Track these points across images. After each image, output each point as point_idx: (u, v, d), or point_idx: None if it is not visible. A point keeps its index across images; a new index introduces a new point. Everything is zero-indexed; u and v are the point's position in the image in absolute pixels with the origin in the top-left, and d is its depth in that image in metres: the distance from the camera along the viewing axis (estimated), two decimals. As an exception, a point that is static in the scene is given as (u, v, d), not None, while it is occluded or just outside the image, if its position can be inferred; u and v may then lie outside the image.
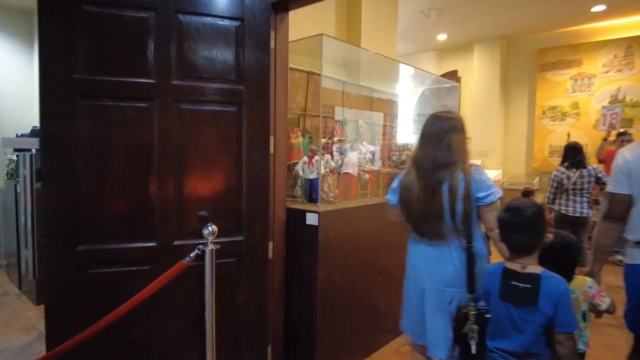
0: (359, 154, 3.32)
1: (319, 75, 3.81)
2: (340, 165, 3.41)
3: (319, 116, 3.85)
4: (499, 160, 8.15)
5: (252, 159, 2.56)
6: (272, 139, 2.70)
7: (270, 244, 2.76)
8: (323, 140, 3.54)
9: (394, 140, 4.71)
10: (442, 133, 1.80)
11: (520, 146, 8.15)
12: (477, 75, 8.17)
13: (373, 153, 3.99)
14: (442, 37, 7.98)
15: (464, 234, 1.73)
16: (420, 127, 1.94)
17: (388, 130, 4.60)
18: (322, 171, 3.09)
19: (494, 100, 8.09)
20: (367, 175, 3.56)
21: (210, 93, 2.45)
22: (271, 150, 2.68)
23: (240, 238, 2.58)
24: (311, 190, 3.15)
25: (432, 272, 1.81)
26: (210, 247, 2.34)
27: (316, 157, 3.09)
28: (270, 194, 2.71)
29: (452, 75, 8.74)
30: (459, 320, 1.73)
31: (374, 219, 3.25)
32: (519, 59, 7.96)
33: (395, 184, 2.00)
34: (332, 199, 3.13)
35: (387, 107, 4.79)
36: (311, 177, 3.10)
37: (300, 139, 3.59)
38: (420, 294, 1.85)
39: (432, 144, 1.82)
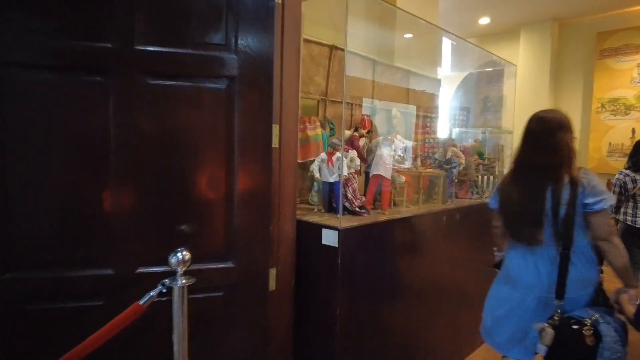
0: (392, 151, 2.56)
1: (343, 50, 3.06)
2: (369, 166, 2.65)
3: (347, 103, 3.10)
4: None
5: (247, 155, 1.85)
6: (276, 128, 1.97)
7: (273, 272, 2.04)
8: (347, 133, 2.79)
9: (434, 134, 3.92)
10: (547, 133, 1.74)
11: (573, 144, 7.06)
12: (523, 64, 7.22)
13: (404, 149, 3.22)
14: (484, 20, 7.08)
15: (564, 240, 1.68)
16: (523, 127, 1.87)
17: (428, 122, 3.81)
18: (346, 172, 2.35)
19: (543, 92, 7.14)
20: (403, 178, 2.79)
21: (190, 63, 1.75)
22: (275, 144, 1.96)
23: (229, 264, 1.89)
24: (331, 197, 2.42)
25: (529, 278, 1.78)
26: (181, 281, 1.64)
27: (337, 154, 2.34)
28: (273, 203, 1.99)
29: (496, 63, 7.83)
30: (557, 328, 1.64)
31: (412, 235, 2.49)
32: (573, 44, 6.98)
33: (495, 188, 2.00)
34: (357, 209, 2.38)
35: (426, 97, 4.00)
36: (331, 179, 2.36)
37: (319, 130, 2.85)
38: (517, 300, 1.81)
39: (535, 145, 1.77)
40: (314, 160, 2.51)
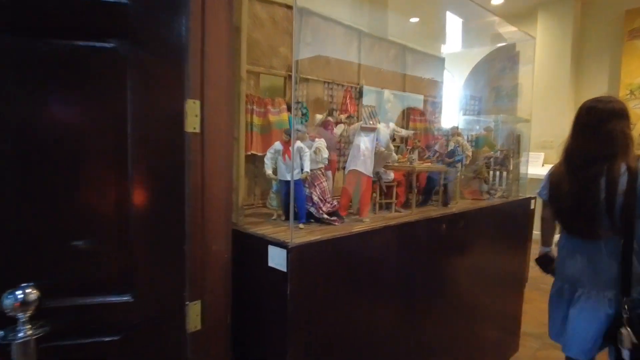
0: (376, 141, 1.96)
1: (321, 17, 2.46)
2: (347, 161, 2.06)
3: (323, 82, 2.51)
4: (569, 153, 6.42)
5: (146, 146, 1.28)
6: (195, 105, 1.39)
7: (197, 306, 1.47)
8: (318, 117, 2.20)
9: (436, 122, 3.30)
10: (600, 121, 1.65)
11: (599, 136, 6.36)
12: (541, 48, 6.54)
13: (401, 139, 2.62)
14: (497, 0, 6.42)
15: (622, 231, 1.61)
16: (575, 115, 1.82)
17: (429, 107, 3.19)
18: (307, 168, 1.75)
19: (563, 78, 6.47)
20: (392, 175, 2.19)
21: (60, 12, 1.19)
22: (192, 128, 1.37)
23: (127, 298, 1.34)
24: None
25: (583, 271, 1.75)
26: (22, 335, 1.07)
27: (298, 144, 1.75)
28: (193, 213, 1.40)
29: (510, 49, 7.16)
30: (613, 323, 1.64)
31: (400, 251, 1.90)
32: (598, 24, 6.30)
33: (545, 178, 1.91)
34: (326, 216, 1.79)
35: (428, 82, 3.38)
36: (289, 177, 1.77)
37: (286, 115, 2.26)
38: (570, 292, 1.81)
39: (588, 133, 1.70)
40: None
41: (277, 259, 1.50)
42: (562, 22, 6.50)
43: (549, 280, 2.03)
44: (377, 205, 2.18)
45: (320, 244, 1.57)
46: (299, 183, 1.79)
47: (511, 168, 3.02)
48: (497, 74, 4.44)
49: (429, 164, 2.47)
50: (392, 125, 2.89)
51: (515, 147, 3.07)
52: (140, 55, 1.26)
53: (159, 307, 1.38)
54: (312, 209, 1.85)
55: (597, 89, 6.50)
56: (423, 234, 2.06)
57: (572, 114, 5.80)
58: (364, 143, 1.99)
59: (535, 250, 2.41)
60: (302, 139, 1.87)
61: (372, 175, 1.99)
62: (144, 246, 1.32)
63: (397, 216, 2.13)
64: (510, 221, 2.92)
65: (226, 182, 1.54)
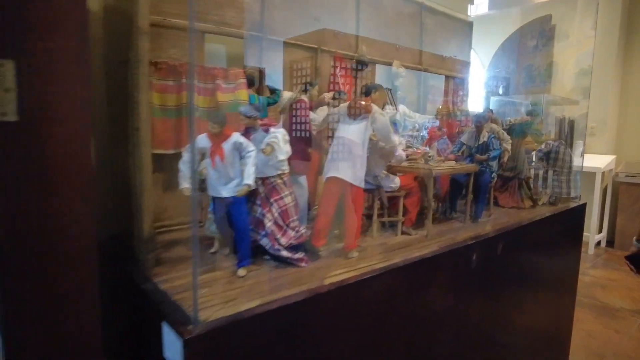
0: (367, 130, 1.25)
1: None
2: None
3: (307, 48, 1.81)
4: (610, 141, 5.82)
5: None
6: (7, 65, 0.66)
7: None
8: (287, 94, 1.49)
9: (462, 106, 2.54)
10: None
11: (644, 123, 5.50)
12: (583, 25, 5.56)
13: (414, 128, 1.90)
14: (533, -38, 5.43)
15: None
16: None
17: (454, 85, 2.44)
18: (249, 179, 1.05)
19: (609, 57, 5.61)
20: (397, 181, 1.48)
21: None
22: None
23: None
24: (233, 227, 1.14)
25: None
26: None
27: (235, 138, 1.05)
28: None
29: (544, 22, 6.32)
30: None
31: (413, 306, 1.20)
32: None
33: None
34: (284, 253, 1.10)
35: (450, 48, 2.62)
36: (224, 193, 1.07)
37: (245, 92, 1.56)
38: None
39: None
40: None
41: (171, 349, 0.82)
42: (609, -5, 5.63)
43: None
44: (376, 227, 1.47)
45: (255, 322, 0.87)
46: (240, 201, 1.10)
47: (563, 162, 2.26)
48: (529, 51, 4.06)
49: (453, 162, 1.74)
50: (402, 108, 2.17)
51: (568, 136, 2.30)
52: None
53: None
54: (265, 241, 1.16)
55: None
56: (445, 275, 1.35)
57: (617, 96, 4.85)
58: (351, 134, 1.28)
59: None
60: (252, 126, 1.17)
61: (362, 184, 1.28)
62: None
63: (406, 243, 1.42)
64: (560, 237, 2.17)
65: (87, 208, 0.85)
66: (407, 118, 2.14)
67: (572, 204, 2.30)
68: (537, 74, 4.18)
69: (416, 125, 2.11)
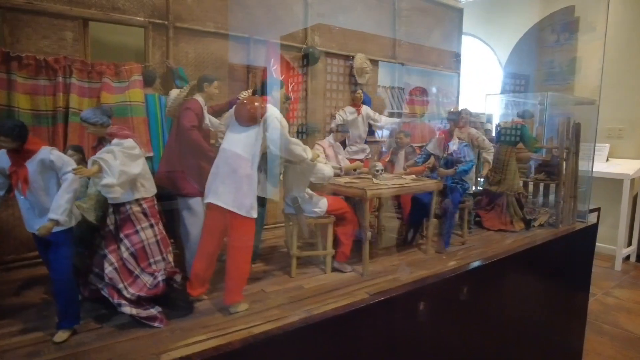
0: (257, 139, 0.91)
1: None
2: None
3: (247, 38, 1.50)
4: (640, 145, 5.11)
5: None
6: None
7: None
8: (174, 92, 1.17)
9: (448, 106, 2.16)
10: None
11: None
12: (610, 13, 5.10)
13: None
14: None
15: None
16: None
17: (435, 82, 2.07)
18: (57, 215, 0.74)
19: (638, 53, 5.08)
20: (324, 203, 1.14)
21: None
22: None
23: None
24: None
25: None
26: None
27: (42, 155, 0.74)
28: None
29: (567, 14, 5.90)
30: None
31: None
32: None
33: None
34: (130, 309, 0.82)
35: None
36: (33, 226, 0.76)
37: (139, 91, 1.26)
38: None
39: None
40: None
41: None
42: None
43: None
44: (294, 264, 1.13)
45: None
46: (58, 242, 0.78)
47: (568, 174, 1.84)
48: (550, 46, 3.96)
49: (412, 175, 1.38)
50: (365, 109, 1.82)
51: (572, 142, 1.88)
52: None
53: None
54: (106, 292, 0.84)
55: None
56: (371, 335, 0.99)
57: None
58: (236, 145, 0.95)
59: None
60: (103, 138, 0.87)
61: (251, 213, 0.94)
62: None
63: (331, 286, 1.08)
64: (560, 270, 1.75)
65: None
66: (372, 121, 1.79)
67: (579, 225, 1.90)
68: (558, 71, 4.00)
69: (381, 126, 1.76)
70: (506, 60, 3.56)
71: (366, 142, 1.82)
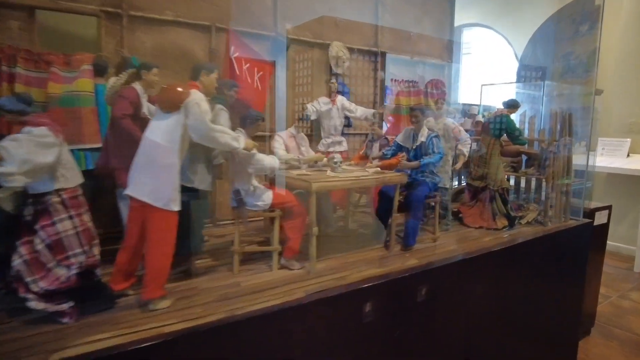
0: (177, 127, 0.86)
1: None
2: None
3: (208, 26, 1.45)
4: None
5: None
6: None
7: None
8: (112, 81, 1.13)
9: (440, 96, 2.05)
10: None
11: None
12: (630, 2, 4.95)
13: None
14: None
15: None
16: None
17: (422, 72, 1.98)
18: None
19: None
20: (269, 196, 1.08)
21: None
22: None
23: None
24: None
25: None
26: None
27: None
28: None
29: (587, 3, 5.61)
30: None
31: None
32: None
33: None
34: (37, 304, 0.79)
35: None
36: None
37: (89, 82, 1.24)
38: None
39: None
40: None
41: None
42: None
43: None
44: (236, 260, 1.08)
45: None
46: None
47: (558, 169, 1.73)
48: (568, 37, 3.69)
49: (372, 167, 1.31)
50: (340, 99, 1.74)
51: (563, 133, 1.76)
52: None
53: None
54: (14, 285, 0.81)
55: None
56: (305, 336, 0.94)
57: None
58: (155, 134, 0.90)
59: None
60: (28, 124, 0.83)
61: (172, 205, 0.89)
62: None
63: (271, 283, 1.02)
64: (543, 273, 1.64)
65: None
66: (347, 112, 1.71)
67: (573, 223, 1.77)
68: (577, 63, 3.72)
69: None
70: (522, 52, 3.44)
71: (343, 134, 1.76)
